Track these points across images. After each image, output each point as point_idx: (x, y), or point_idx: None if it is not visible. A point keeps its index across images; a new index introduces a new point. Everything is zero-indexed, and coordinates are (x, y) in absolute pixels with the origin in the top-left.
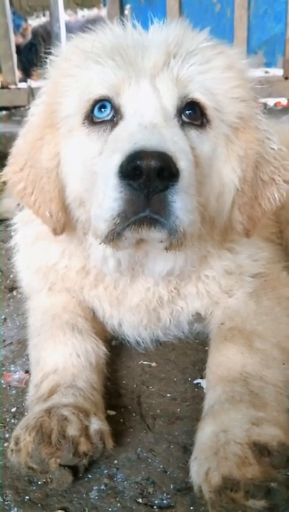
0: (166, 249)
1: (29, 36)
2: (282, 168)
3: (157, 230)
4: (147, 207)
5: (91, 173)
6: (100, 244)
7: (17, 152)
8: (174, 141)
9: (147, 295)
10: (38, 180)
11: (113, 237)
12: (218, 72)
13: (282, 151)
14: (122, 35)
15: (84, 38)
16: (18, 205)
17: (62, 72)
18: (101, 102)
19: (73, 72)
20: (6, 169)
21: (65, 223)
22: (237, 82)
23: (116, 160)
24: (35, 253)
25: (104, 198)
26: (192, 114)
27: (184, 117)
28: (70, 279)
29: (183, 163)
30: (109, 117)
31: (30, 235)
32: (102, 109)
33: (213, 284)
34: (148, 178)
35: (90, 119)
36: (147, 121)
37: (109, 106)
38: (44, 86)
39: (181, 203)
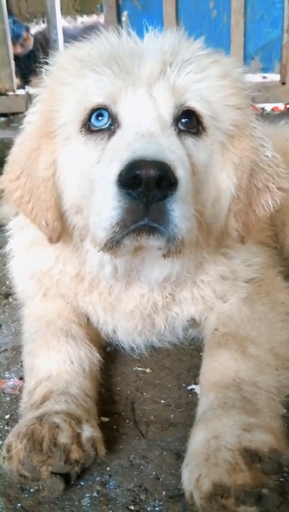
0: (164, 256)
1: (30, 46)
2: (276, 176)
3: (156, 238)
4: (146, 215)
5: (89, 181)
6: (98, 252)
7: (13, 160)
8: (172, 150)
9: (142, 301)
10: (34, 189)
11: (112, 245)
12: (213, 80)
13: (276, 158)
14: (118, 43)
15: (79, 47)
16: (17, 212)
17: (58, 81)
18: (98, 111)
19: (70, 80)
20: (2, 177)
21: (61, 232)
22: (232, 91)
23: (115, 169)
24: (30, 258)
25: (102, 206)
26: (188, 122)
27: (180, 125)
28: (65, 285)
29: (181, 172)
30: (106, 126)
31: (25, 241)
32: (100, 118)
33: (208, 289)
34: (147, 187)
35: (88, 127)
36: (145, 130)
37: (106, 114)
38: (40, 94)
39: (180, 212)
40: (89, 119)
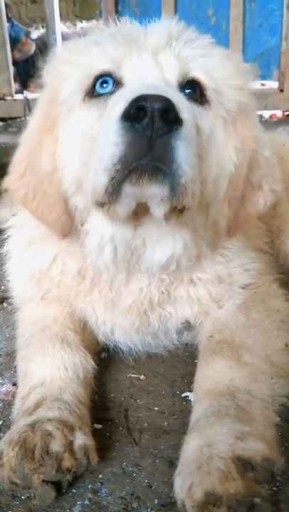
0: (166, 218)
1: (30, 51)
2: (270, 177)
3: (159, 182)
4: (149, 153)
5: (90, 140)
6: (98, 208)
7: (17, 160)
8: (177, 99)
9: (140, 296)
10: (39, 185)
11: (113, 189)
12: (218, 58)
13: (272, 161)
14: (124, 24)
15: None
16: (14, 214)
17: (62, 60)
18: (103, 78)
19: (74, 59)
20: (7, 177)
21: (70, 225)
22: (236, 71)
23: (119, 108)
24: (28, 258)
25: (104, 147)
26: (192, 93)
27: (184, 95)
28: (66, 286)
29: (186, 115)
30: (111, 91)
31: (23, 241)
32: (104, 85)
33: (204, 290)
34: (152, 118)
35: (91, 94)
36: (150, 83)
37: (111, 81)
38: (41, 94)
39: (184, 152)
40: (93, 86)
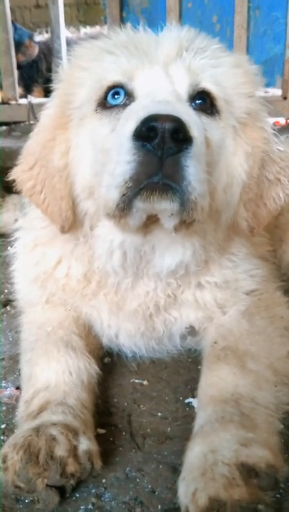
0: (176, 230)
1: (33, 55)
2: (287, 169)
3: (169, 199)
4: (160, 171)
5: (102, 152)
6: (110, 219)
7: (27, 151)
8: (188, 113)
9: (146, 300)
10: (49, 179)
11: (124, 205)
12: (227, 67)
13: (287, 153)
14: (135, 33)
15: (97, 40)
16: (16, 220)
17: (76, 66)
18: (114, 89)
19: (88, 65)
20: (15, 168)
21: (72, 222)
22: (245, 79)
23: (130, 126)
24: (34, 259)
25: (117, 164)
26: (202, 103)
27: (194, 106)
28: (71, 289)
29: (196, 133)
30: (122, 103)
31: (29, 242)
32: (116, 96)
33: (210, 294)
34: (162, 139)
35: (103, 105)
36: (161, 98)
37: (122, 93)
38: (56, 89)
39: (194, 170)
40: (105, 97)
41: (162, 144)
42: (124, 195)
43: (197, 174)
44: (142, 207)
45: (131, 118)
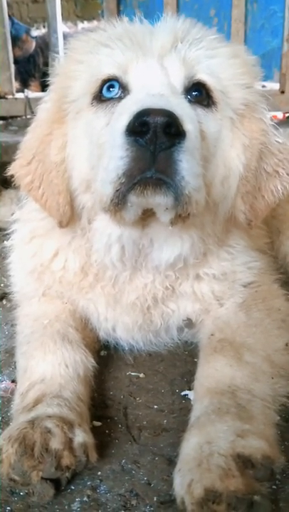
0: (172, 223)
1: (30, 49)
2: (286, 161)
3: (163, 193)
4: (153, 166)
5: (98, 146)
6: (106, 213)
7: (25, 146)
8: (181, 107)
9: (143, 292)
10: (46, 173)
11: (118, 200)
12: (223, 58)
13: (286, 145)
14: (130, 25)
15: (92, 32)
16: (13, 213)
17: (72, 59)
18: (109, 82)
19: (83, 58)
20: (13, 163)
21: (70, 217)
22: (242, 69)
23: (123, 120)
24: (31, 252)
25: (110, 160)
26: (198, 95)
27: (190, 98)
28: (67, 282)
29: (189, 126)
30: (117, 96)
31: (26, 234)
32: (111, 89)
33: (208, 286)
34: (155, 133)
35: (98, 98)
36: (155, 92)
37: (117, 86)
38: (53, 83)
39: (187, 164)
40: (100, 90)
41: (154, 138)
42: (117, 190)
43: (191, 168)
44: (136, 201)
45: (124, 113)
